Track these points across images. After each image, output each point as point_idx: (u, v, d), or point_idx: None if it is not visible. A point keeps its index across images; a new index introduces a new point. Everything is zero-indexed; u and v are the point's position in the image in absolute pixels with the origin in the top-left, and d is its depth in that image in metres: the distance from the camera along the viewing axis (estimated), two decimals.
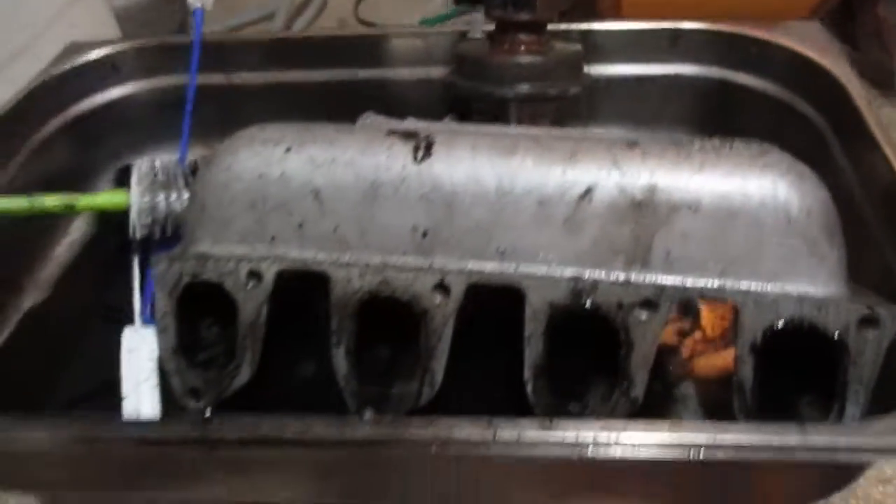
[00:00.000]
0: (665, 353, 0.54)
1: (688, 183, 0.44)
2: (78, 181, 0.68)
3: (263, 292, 0.47)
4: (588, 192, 0.45)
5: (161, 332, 0.49)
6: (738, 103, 0.67)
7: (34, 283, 0.63)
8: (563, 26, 0.66)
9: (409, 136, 0.48)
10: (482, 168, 0.46)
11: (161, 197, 0.59)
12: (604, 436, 0.38)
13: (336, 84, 0.71)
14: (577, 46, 0.65)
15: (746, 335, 0.43)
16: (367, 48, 0.71)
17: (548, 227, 0.45)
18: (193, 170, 0.60)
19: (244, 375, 0.48)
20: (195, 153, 0.64)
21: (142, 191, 0.59)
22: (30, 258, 0.64)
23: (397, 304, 0.46)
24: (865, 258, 0.48)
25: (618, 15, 0.96)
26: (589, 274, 0.45)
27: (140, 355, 0.55)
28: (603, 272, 0.45)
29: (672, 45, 0.68)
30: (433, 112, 0.65)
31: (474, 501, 0.48)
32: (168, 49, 0.71)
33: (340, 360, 0.47)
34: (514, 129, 0.58)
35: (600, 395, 0.45)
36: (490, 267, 0.46)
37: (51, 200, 0.57)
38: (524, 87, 0.61)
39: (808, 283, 0.43)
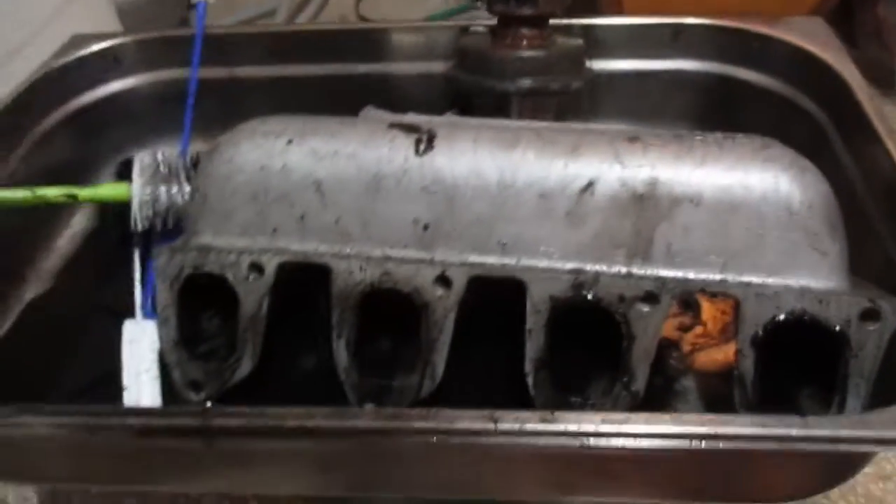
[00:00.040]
0: (666, 348, 0.54)
1: (689, 176, 0.44)
2: (79, 174, 0.68)
3: (265, 284, 0.47)
4: (590, 185, 0.45)
5: (162, 324, 0.49)
6: (739, 98, 0.67)
7: (36, 275, 0.63)
8: (565, 21, 0.66)
9: (411, 129, 0.48)
10: (484, 161, 0.46)
11: (162, 189, 0.59)
12: (605, 427, 0.38)
13: (338, 78, 0.71)
14: (579, 41, 0.65)
15: (748, 328, 0.43)
16: (369, 42, 0.70)
17: (549, 221, 0.45)
18: (195, 163, 0.60)
19: (245, 368, 0.48)
20: (196, 147, 0.64)
21: (143, 183, 0.59)
22: (32, 250, 0.64)
23: (398, 296, 0.46)
24: (867, 251, 0.48)
25: (619, 12, 0.96)
26: (590, 267, 0.45)
27: (141, 347, 0.55)
28: (604, 265, 0.45)
29: (673, 40, 0.68)
30: (435, 107, 0.64)
31: (476, 493, 0.48)
32: (170, 42, 0.71)
33: (341, 353, 0.47)
34: (515, 123, 0.58)
35: (601, 388, 0.45)
36: (491, 260, 0.46)
37: (53, 192, 0.57)
38: (526, 82, 0.61)
39: (809, 276, 0.43)
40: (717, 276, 0.44)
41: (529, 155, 0.46)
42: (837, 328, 0.42)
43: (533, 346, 0.45)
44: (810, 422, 0.38)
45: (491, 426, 0.39)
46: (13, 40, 0.83)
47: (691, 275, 0.44)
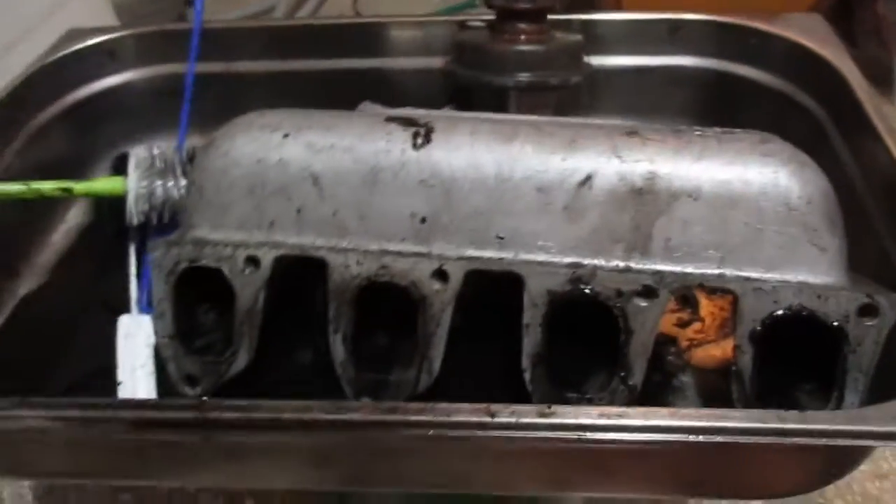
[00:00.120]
0: (664, 344, 0.54)
1: (688, 170, 0.44)
2: (75, 168, 0.67)
3: (261, 278, 0.47)
4: (588, 179, 0.45)
5: (157, 318, 0.49)
6: (738, 95, 0.67)
7: (31, 270, 0.62)
8: (564, 16, 0.66)
9: (408, 122, 0.48)
10: (481, 154, 0.46)
11: (158, 183, 0.59)
12: (602, 421, 0.38)
13: (336, 73, 0.71)
14: (578, 36, 0.65)
15: (746, 323, 0.43)
16: (367, 37, 0.70)
17: (547, 215, 0.45)
18: (191, 157, 0.60)
19: (241, 362, 0.48)
20: (193, 142, 0.64)
21: (139, 177, 0.59)
22: (26, 244, 0.64)
23: (395, 290, 0.45)
24: (866, 248, 0.48)
25: (617, 8, 0.96)
26: (588, 261, 0.45)
27: (136, 341, 0.55)
28: (602, 259, 0.45)
29: (672, 36, 0.68)
30: (433, 102, 0.64)
31: (473, 487, 0.48)
32: (167, 36, 0.71)
33: (338, 347, 0.46)
34: (513, 117, 0.58)
35: (599, 383, 0.45)
36: (489, 254, 0.46)
37: (48, 186, 0.57)
38: (524, 76, 0.61)
39: (808, 271, 0.43)
40: (716, 271, 0.44)
41: (527, 148, 0.46)
42: (836, 323, 0.42)
43: (530, 341, 0.44)
44: (808, 417, 0.38)
45: (487, 420, 0.38)
46: (9, 34, 0.83)
47: (689, 269, 0.44)
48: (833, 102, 0.60)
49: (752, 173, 0.44)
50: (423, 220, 0.46)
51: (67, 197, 0.60)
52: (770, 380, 0.43)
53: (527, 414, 0.39)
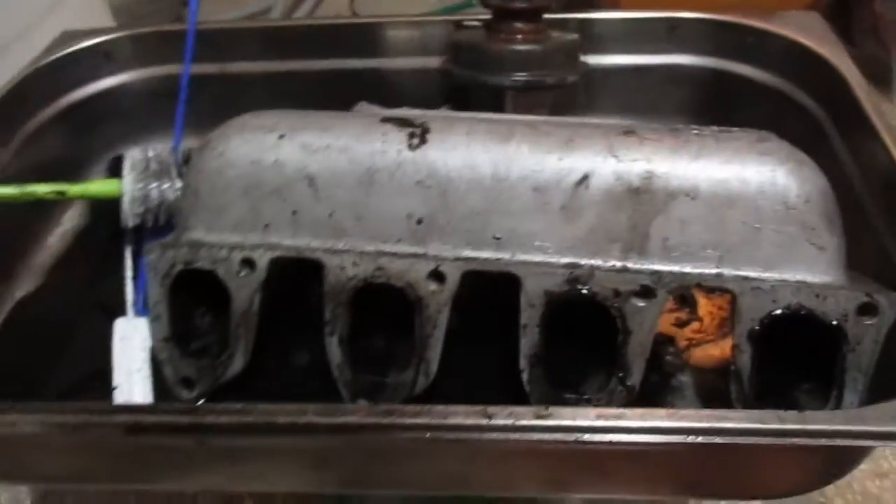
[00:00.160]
0: (662, 344, 0.54)
1: (685, 170, 0.44)
2: (71, 170, 0.67)
3: (256, 280, 0.47)
4: (584, 178, 0.44)
5: (153, 321, 0.49)
6: (735, 93, 0.67)
7: (26, 273, 0.62)
8: (560, 16, 0.66)
9: (404, 122, 0.48)
10: (478, 155, 0.46)
11: (154, 185, 0.58)
12: (600, 422, 0.38)
13: (331, 74, 0.70)
14: (574, 35, 0.65)
15: (744, 323, 0.43)
16: (364, 37, 0.70)
17: (544, 215, 0.45)
18: (186, 159, 0.60)
19: (237, 364, 0.48)
20: (189, 143, 0.63)
21: (134, 179, 0.58)
22: (22, 247, 0.63)
23: (392, 291, 0.45)
24: (864, 246, 0.48)
25: (615, 7, 0.96)
26: (585, 261, 0.45)
27: (132, 344, 0.55)
28: (600, 260, 0.45)
29: (669, 34, 0.67)
30: (430, 102, 0.64)
31: (470, 489, 0.48)
32: (162, 38, 0.71)
33: (334, 349, 0.46)
34: (510, 117, 0.57)
35: (597, 383, 0.45)
36: (486, 254, 0.45)
37: (42, 189, 0.57)
38: (521, 76, 0.61)
39: (806, 270, 0.43)
40: (714, 271, 0.44)
41: (524, 148, 0.45)
42: (834, 323, 0.42)
43: (527, 342, 0.44)
44: (807, 416, 0.37)
45: (485, 422, 0.38)
46: (5, 36, 0.83)
47: (687, 269, 0.44)
48: (831, 101, 0.60)
49: (749, 172, 0.43)
50: (420, 221, 0.46)
51: (62, 199, 0.59)
52: (769, 379, 0.43)
53: (524, 416, 0.38)
